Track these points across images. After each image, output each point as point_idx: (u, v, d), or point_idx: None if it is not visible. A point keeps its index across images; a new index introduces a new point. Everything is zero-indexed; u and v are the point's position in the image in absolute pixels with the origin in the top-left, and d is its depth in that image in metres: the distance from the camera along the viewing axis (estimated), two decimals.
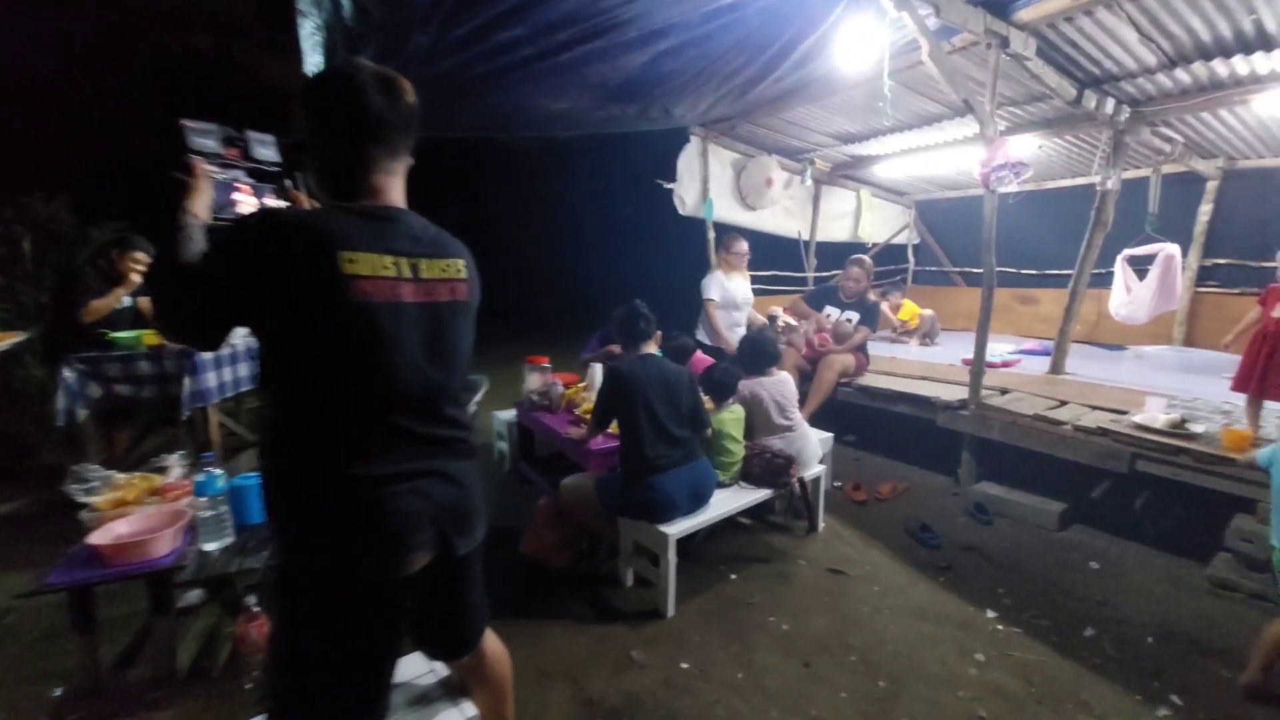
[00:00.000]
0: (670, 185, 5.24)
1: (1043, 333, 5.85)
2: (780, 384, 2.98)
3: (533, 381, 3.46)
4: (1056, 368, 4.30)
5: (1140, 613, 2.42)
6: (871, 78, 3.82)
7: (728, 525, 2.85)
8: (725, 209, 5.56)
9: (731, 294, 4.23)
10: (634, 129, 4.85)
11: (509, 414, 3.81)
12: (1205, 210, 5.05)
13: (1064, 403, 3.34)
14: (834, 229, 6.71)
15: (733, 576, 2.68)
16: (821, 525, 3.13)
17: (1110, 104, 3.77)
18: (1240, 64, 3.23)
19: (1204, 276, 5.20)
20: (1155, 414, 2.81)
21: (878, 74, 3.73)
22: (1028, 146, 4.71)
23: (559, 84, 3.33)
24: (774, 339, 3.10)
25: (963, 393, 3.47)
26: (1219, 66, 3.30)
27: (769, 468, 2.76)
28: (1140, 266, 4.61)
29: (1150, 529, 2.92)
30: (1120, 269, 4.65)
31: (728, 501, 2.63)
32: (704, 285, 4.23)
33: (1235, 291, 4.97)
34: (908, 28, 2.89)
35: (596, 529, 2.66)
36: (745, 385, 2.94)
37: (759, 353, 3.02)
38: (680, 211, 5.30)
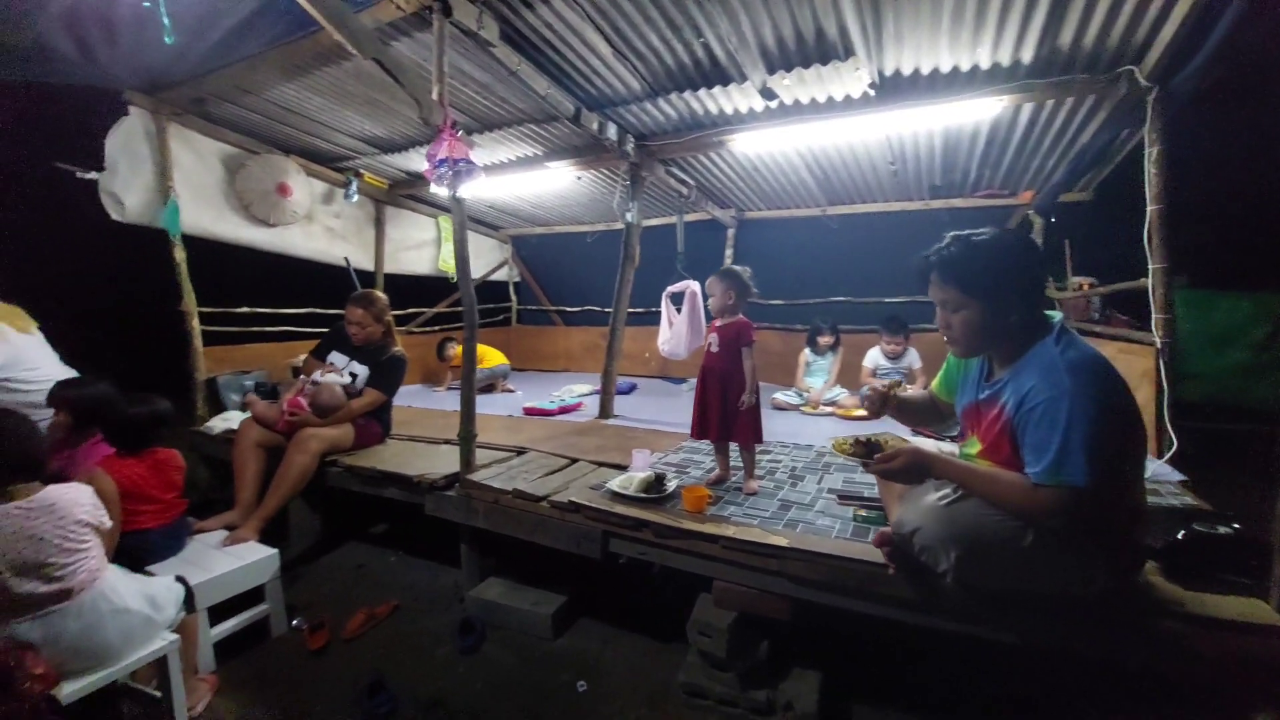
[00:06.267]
0: (91, 175, 3.41)
1: (626, 370, 5.81)
2: (33, 514, 1.55)
3: None
4: (605, 411, 3.95)
5: None
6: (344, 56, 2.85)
7: None
8: (213, 219, 3.96)
9: None
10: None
11: None
12: (729, 254, 5.62)
13: (574, 460, 2.78)
14: (410, 260, 5.67)
15: None
16: None
17: (614, 130, 3.56)
18: (708, 99, 3.26)
19: None
20: (634, 473, 2.34)
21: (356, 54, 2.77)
22: (567, 176, 4.44)
23: None
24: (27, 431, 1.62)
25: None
26: (693, 101, 3.30)
27: None
28: (681, 304, 4.72)
29: (641, 614, 2.44)
30: (664, 306, 4.67)
31: None
32: None
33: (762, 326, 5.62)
34: None
35: None
36: None
37: None
38: (115, 216, 3.49)
